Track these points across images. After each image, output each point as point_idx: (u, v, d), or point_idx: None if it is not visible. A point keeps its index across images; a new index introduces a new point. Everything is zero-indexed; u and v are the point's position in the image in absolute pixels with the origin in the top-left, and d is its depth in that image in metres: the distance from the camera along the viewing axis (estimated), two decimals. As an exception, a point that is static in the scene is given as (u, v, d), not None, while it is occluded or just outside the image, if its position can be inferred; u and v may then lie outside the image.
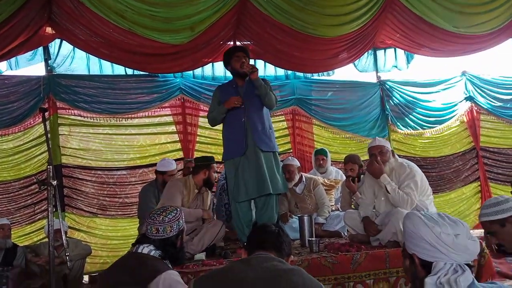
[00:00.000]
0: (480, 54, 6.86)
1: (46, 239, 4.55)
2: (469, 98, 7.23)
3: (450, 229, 1.49)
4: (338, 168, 5.73)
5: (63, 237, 3.04)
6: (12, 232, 5.14)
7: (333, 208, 4.81)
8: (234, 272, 1.72)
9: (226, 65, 3.82)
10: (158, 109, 6.01)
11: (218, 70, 6.30)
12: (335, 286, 3.09)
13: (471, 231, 4.74)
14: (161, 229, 2.21)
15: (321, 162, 5.30)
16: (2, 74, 5.51)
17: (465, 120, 7.24)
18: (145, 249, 2.15)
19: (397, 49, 6.92)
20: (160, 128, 6.11)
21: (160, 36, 5.16)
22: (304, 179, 4.73)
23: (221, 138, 3.82)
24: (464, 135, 7.27)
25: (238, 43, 5.84)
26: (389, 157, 3.56)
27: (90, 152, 5.78)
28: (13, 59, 5.36)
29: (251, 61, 6.21)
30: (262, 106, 3.65)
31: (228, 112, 3.60)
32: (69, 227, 5.35)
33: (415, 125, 7.00)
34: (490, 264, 3.32)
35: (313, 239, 3.50)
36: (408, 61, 7.03)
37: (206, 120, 5.93)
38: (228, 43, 5.78)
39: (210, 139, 6.17)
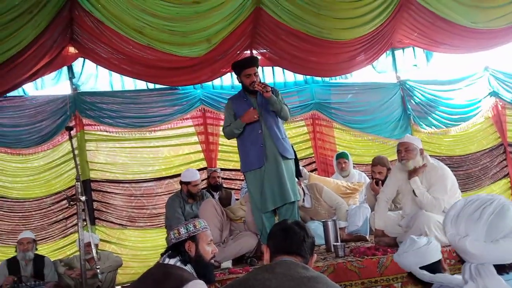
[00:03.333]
0: (502, 48, 6.72)
1: (79, 252, 4.69)
2: (493, 94, 7.09)
3: (455, 230, 1.44)
4: (361, 171, 5.70)
5: (93, 250, 3.15)
6: (46, 247, 5.34)
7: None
8: (258, 281, 1.73)
9: (237, 75, 3.77)
10: (180, 121, 6.14)
11: (236, 79, 6.35)
12: (362, 290, 3.09)
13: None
14: (171, 234, 2.33)
15: (343, 165, 5.26)
16: (29, 95, 5.72)
17: (490, 116, 7.10)
18: (171, 260, 2.21)
19: (415, 48, 6.85)
20: (183, 139, 6.23)
21: (178, 49, 5.27)
22: (306, 190, 4.52)
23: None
24: (490, 131, 7.12)
25: (254, 51, 5.90)
26: (416, 155, 3.50)
27: (117, 165, 5.94)
28: (38, 80, 5.53)
29: (266, 69, 6.29)
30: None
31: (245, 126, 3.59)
32: (100, 240, 5.49)
33: (439, 124, 6.90)
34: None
35: (338, 243, 3.50)
36: (428, 60, 6.93)
37: (227, 129, 6.12)
38: (245, 52, 5.85)
39: (232, 148, 6.21)
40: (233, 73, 6.25)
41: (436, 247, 2.13)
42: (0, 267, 4.53)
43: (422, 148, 3.59)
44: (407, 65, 6.98)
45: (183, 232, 2.30)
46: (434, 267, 2.05)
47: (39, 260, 4.60)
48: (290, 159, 3.62)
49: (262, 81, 3.67)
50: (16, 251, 4.60)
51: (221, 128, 6.13)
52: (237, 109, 3.66)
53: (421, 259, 2.06)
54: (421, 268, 2.03)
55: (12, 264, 4.51)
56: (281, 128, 3.66)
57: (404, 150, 3.53)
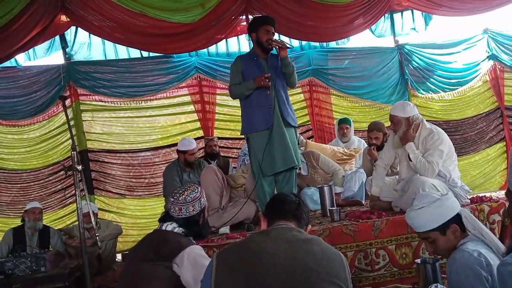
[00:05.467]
0: (502, 10, 6.57)
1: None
2: (492, 57, 6.96)
3: None
4: (359, 137, 5.70)
5: (92, 219, 3.19)
6: (45, 217, 5.40)
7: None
8: (254, 243, 1.75)
9: (250, 32, 3.66)
10: (176, 90, 6.08)
11: (232, 46, 6.27)
12: (357, 253, 3.13)
13: (497, 192, 4.66)
14: (184, 208, 2.27)
15: (345, 131, 5.24)
16: (22, 66, 5.63)
17: (488, 79, 7.00)
18: (169, 226, 2.24)
19: (414, 11, 6.69)
20: (179, 108, 6.19)
21: (171, 16, 5.18)
22: (302, 158, 4.44)
23: (239, 114, 3.75)
24: (488, 95, 7.06)
25: (250, 16, 5.77)
26: (401, 127, 3.48)
27: (113, 135, 5.93)
28: (30, 50, 5.43)
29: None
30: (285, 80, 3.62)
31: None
32: (99, 209, 5.55)
33: (436, 88, 6.82)
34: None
35: (334, 208, 3.53)
36: (427, 23, 6.77)
37: (224, 97, 6.07)
38: (240, 17, 5.73)
39: (228, 116, 6.22)
40: (228, 39, 6.19)
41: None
42: (6, 235, 4.61)
43: (408, 117, 3.47)
44: (406, 29, 6.85)
45: (198, 207, 2.30)
46: None
47: (44, 231, 4.69)
48: (293, 126, 3.59)
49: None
50: (22, 220, 4.66)
51: (217, 97, 6.17)
52: (245, 68, 3.57)
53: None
54: None
55: (18, 233, 4.59)
56: (287, 93, 3.62)
57: (392, 123, 3.54)
